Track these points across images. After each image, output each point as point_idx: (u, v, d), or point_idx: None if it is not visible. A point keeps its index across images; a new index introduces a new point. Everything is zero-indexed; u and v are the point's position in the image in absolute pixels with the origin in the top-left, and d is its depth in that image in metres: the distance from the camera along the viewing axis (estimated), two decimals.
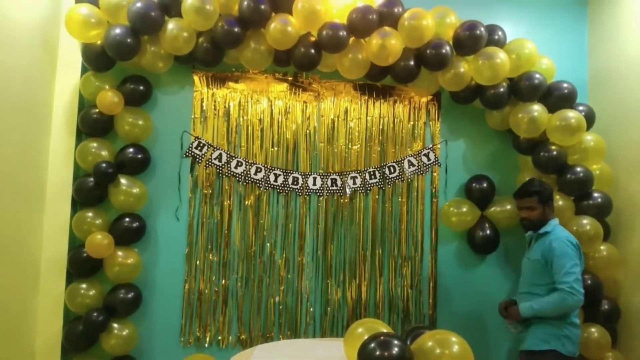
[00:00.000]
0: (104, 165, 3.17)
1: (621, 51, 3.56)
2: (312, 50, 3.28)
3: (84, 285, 3.21)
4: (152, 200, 3.47)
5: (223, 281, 3.49)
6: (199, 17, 3.11)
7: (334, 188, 3.62)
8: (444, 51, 3.26)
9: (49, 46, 3.26)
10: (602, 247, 3.32)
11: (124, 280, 3.29)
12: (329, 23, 3.23)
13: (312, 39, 3.30)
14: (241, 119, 3.60)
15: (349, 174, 3.64)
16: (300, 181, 3.60)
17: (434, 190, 3.72)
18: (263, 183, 3.57)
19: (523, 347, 2.92)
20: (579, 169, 3.33)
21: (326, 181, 3.62)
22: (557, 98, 3.41)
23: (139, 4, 3.08)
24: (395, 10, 3.31)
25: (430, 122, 3.76)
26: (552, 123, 3.34)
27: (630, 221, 3.37)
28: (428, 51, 3.29)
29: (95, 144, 3.28)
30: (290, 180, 3.59)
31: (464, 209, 3.57)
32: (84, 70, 3.37)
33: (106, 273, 3.26)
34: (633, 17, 3.47)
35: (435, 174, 3.73)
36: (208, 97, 3.58)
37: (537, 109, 3.36)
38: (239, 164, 3.56)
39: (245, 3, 3.13)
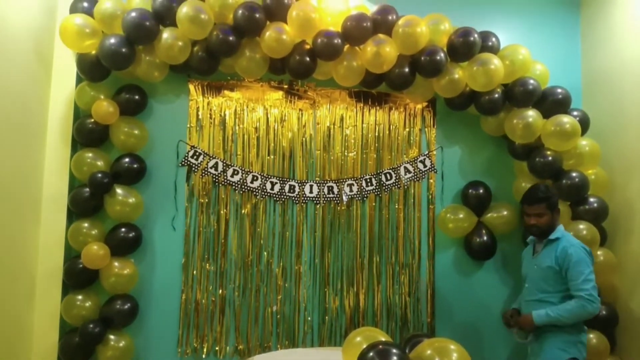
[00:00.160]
0: (99, 175, 3.15)
1: (614, 56, 3.58)
2: (307, 58, 3.28)
3: (80, 297, 3.19)
4: (148, 210, 3.46)
5: (220, 291, 3.47)
6: (193, 26, 3.11)
7: (331, 196, 3.62)
8: (438, 58, 3.28)
9: (44, 56, 3.25)
10: (599, 252, 3.32)
11: (120, 291, 3.27)
12: (323, 31, 3.24)
13: (307, 47, 3.31)
14: (237, 128, 3.60)
15: (346, 181, 3.64)
16: (296, 189, 3.60)
17: (430, 197, 3.72)
18: (259, 191, 3.56)
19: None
20: (574, 174, 3.34)
21: (323, 189, 3.62)
22: (551, 103, 3.42)
23: (133, 14, 3.08)
24: (390, 17, 3.32)
25: (426, 129, 3.77)
26: (547, 128, 3.36)
27: (627, 226, 3.38)
28: (422, 58, 3.30)
29: (90, 154, 3.26)
30: (286, 188, 3.59)
31: (461, 215, 3.57)
32: (78, 80, 3.37)
33: (102, 284, 3.24)
34: (625, 21, 3.49)
35: (431, 181, 3.73)
36: (204, 105, 3.58)
37: (531, 114, 3.37)
38: (235, 172, 3.56)
39: (240, 12, 3.14)
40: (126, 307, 3.23)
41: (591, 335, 3.21)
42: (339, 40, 3.23)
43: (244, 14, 3.13)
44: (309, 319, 3.53)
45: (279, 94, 3.65)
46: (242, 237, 3.52)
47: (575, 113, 3.46)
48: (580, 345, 2.78)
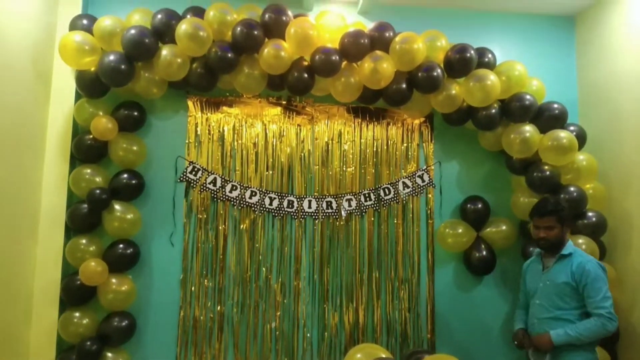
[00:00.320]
0: (97, 191, 3.15)
1: (609, 70, 3.61)
2: (306, 75, 3.31)
3: (77, 314, 3.17)
4: (147, 226, 3.45)
5: (218, 307, 3.45)
6: (192, 43, 3.13)
7: (329, 211, 3.61)
8: (435, 74, 3.30)
9: (43, 73, 3.27)
10: None
11: (118, 307, 3.25)
12: (321, 48, 3.27)
13: (305, 63, 3.34)
14: (235, 143, 3.60)
15: (344, 196, 3.64)
16: (295, 204, 3.59)
17: (429, 212, 3.72)
18: (258, 207, 3.56)
19: None
20: (572, 189, 3.35)
21: (321, 204, 3.62)
22: (548, 118, 3.44)
23: (133, 31, 3.11)
24: (387, 34, 3.36)
25: (424, 144, 3.78)
26: (544, 143, 3.37)
27: (626, 240, 3.38)
28: (420, 74, 3.33)
29: (89, 170, 3.27)
30: (285, 203, 3.59)
31: (460, 230, 3.57)
32: (77, 96, 3.38)
33: (100, 301, 3.22)
34: (620, 36, 3.53)
35: (430, 196, 3.73)
36: (202, 121, 3.59)
37: (528, 129, 3.39)
38: (234, 188, 3.56)
39: (239, 29, 3.17)
40: (124, 324, 3.21)
41: None
42: (337, 57, 3.26)
43: (242, 31, 3.16)
44: (308, 335, 3.50)
45: (278, 110, 3.66)
46: (240, 253, 3.51)
47: (572, 128, 3.49)
48: None
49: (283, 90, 3.48)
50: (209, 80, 3.34)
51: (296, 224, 3.59)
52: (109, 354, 3.17)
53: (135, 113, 3.39)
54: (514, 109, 3.40)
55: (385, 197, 3.67)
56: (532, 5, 3.85)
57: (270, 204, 3.57)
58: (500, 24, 3.94)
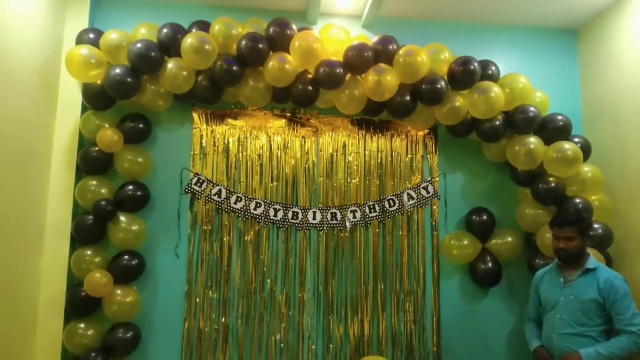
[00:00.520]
0: (103, 202, 3.17)
1: (613, 82, 3.62)
2: (310, 87, 3.33)
3: (82, 325, 3.17)
4: (152, 237, 3.46)
5: (223, 319, 3.44)
6: (198, 57, 3.16)
7: (334, 222, 3.61)
8: (439, 86, 3.32)
9: (50, 86, 3.31)
10: None
11: (122, 319, 3.25)
12: (325, 61, 3.29)
13: (310, 76, 3.36)
14: (240, 155, 3.62)
15: (349, 207, 3.64)
16: (300, 216, 3.60)
17: (434, 223, 3.71)
18: (263, 218, 3.56)
19: None
20: (578, 200, 3.34)
21: (326, 215, 3.62)
22: (552, 130, 3.44)
23: (139, 45, 3.14)
24: (390, 47, 3.38)
25: (428, 155, 3.78)
26: (549, 155, 3.37)
27: (632, 251, 3.36)
28: (423, 86, 3.34)
29: (94, 182, 3.29)
30: (289, 214, 3.59)
31: (465, 242, 3.56)
32: (84, 109, 3.41)
33: (105, 312, 3.22)
34: (623, 48, 3.54)
35: (434, 207, 3.73)
36: (207, 133, 3.61)
37: (533, 141, 3.39)
38: (239, 199, 3.57)
39: (244, 42, 3.20)
40: (128, 335, 3.21)
41: None
42: (341, 70, 3.28)
43: (247, 44, 3.19)
44: (313, 347, 3.49)
45: (282, 122, 3.68)
46: (245, 265, 3.51)
47: (576, 139, 3.48)
48: None
49: (288, 102, 3.51)
50: (214, 92, 3.36)
51: (301, 236, 3.59)
52: None
53: (141, 125, 3.41)
54: (518, 120, 3.40)
55: (390, 209, 3.67)
56: (535, 18, 3.87)
57: (275, 215, 3.58)
58: (503, 36, 3.96)
